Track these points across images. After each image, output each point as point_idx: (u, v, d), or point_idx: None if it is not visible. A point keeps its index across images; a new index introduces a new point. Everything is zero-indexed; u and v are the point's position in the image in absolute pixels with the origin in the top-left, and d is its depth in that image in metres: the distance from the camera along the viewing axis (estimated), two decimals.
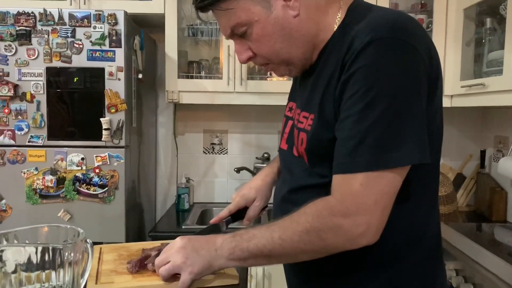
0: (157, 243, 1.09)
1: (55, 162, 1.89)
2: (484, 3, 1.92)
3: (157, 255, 0.94)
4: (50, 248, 0.72)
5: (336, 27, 0.86)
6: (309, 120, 0.86)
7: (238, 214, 1.13)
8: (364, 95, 0.74)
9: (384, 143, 0.73)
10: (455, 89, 2.03)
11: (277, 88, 2.24)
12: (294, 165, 0.93)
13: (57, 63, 1.87)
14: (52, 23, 1.86)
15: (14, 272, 0.72)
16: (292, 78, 1.07)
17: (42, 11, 1.85)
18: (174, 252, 0.86)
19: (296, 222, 0.79)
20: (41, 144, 1.90)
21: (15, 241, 0.79)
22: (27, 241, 0.79)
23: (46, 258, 0.72)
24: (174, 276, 0.88)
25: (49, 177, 1.89)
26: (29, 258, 0.72)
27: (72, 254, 0.74)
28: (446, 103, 2.09)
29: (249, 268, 1.91)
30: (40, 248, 0.72)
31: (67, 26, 1.86)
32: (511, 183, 2.14)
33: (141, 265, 0.95)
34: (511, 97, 1.63)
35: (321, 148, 0.83)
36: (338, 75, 0.79)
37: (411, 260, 0.84)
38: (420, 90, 0.76)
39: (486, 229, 1.94)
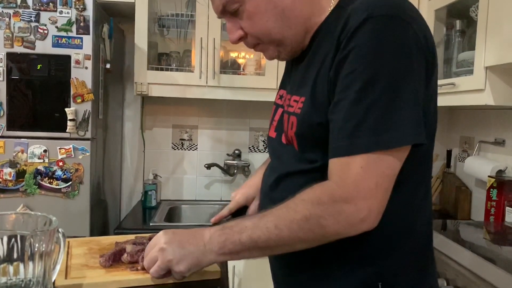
0: (131, 237, 1.03)
1: (14, 154, 1.78)
2: (454, 5, 1.96)
3: (142, 250, 0.89)
4: (18, 236, 0.65)
5: (330, 10, 0.83)
6: (300, 103, 0.83)
7: (239, 213, 1.10)
8: (361, 74, 0.71)
9: (383, 124, 0.70)
10: None
11: (250, 83, 2.20)
12: (282, 153, 0.89)
13: (19, 49, 1.76)
14: (14, 5, 1.75)
15: None
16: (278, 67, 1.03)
17: None
18: (160, 250, 0.80)
19: (294, 210, 0.74)
20: None
21: None
22: None
23: (14, 248, 0.64)
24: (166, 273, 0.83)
25: (7, 170, 1.77)
26: None
27: (43, 244, 0.66)
28: None
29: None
30: (6, 238, 0.65)
31: (31, 10, 1.75)
32: (475, 182, 2.20)
33: (115, 258, 0.90)
34: (481, 97, 1.67)
35: (312, 131, 0.79)
36: (333, 55, 0.76)
37: (400, 253, 0.81)
38: (418, 69, 0.74)
39: (451, 227, 1.97)
